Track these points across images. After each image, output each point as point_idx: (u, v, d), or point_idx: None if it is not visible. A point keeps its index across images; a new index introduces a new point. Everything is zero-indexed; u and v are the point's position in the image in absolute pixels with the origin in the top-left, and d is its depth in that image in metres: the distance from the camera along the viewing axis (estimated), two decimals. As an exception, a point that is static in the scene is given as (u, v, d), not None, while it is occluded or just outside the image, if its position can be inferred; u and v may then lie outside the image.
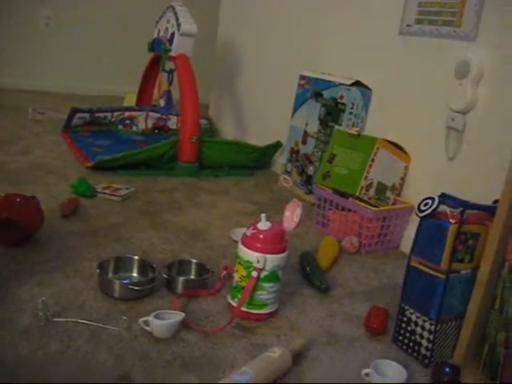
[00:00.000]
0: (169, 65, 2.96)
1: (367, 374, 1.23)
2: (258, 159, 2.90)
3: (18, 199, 1.67)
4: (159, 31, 3.03)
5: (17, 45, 4.35)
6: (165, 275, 1.53)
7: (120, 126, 3.25)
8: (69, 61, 4.52)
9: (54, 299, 1.39)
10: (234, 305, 1.42)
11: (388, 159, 2.07)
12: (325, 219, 2.16)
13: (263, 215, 1.44)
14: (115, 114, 3.21)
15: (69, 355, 1.19)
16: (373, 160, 2.03)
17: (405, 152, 2.12)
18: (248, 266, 1.40)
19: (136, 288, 1.43)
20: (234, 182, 2.71)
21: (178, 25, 2.80)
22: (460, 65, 1.84)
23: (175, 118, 3.29)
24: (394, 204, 2.10)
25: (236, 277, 1.45)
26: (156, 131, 3.33)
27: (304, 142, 2.56)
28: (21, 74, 4.41)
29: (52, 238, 1.74)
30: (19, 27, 4.32)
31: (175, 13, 2.85)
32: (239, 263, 1.43)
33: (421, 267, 1.36)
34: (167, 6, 2.98)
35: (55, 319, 1.31)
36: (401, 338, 1.40)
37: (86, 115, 3.07)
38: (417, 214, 1.36)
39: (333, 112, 2.38)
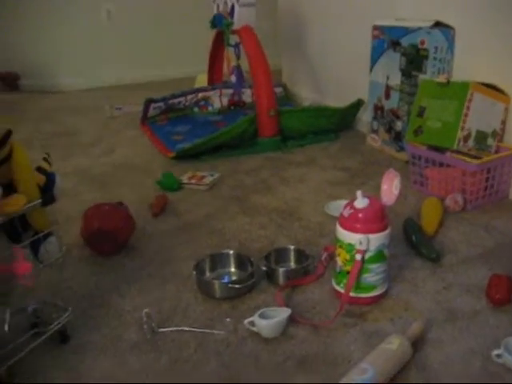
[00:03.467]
0: (234, 38, 2.86)
1: (498, 356, 1.11)
2: (340, 121, 2.77)
3: (106, 208, 1.66)
4: (218, 6, 2.92)
5: (81, 42, 4.39)
6: (264, 267, 1.47)
7: (196, 109, 3.21)
8: (134, 51, 4.52)
9: (157, 307, 1.37)
10: (341, 291, 1.34)
11: (485, 103, 1.88)
12: (422, 178, 2.01)
13: (359, 192, 1.33)
14: (189, 97, 3.16)
15: (179, 368, 1.16)
16: (468, 107, 1.84)
17: (503, 92, 1.92)
18: (350, 249, 1.31)
19: (236, 286, 1.38)
20: (320, 148, 2.59)
21: (237, -5, 2.68)
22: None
23: (249, 90, 3.19)
24: (497, 152, 1.91)
25: (339, 261, 1.36)
26: (232, 107, 3.26)
27: (387, 97, 2.40)
28: (88, 73, 4.46)
29: (145, 241, 1.73)
30: (81, 24, 4.35)
31: (232, -16, 2.74)
32: (340, 246, 1.34)
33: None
34: (223, -22, 2.86)
35: (161, 329, 1.29)
36: (530, 306, 1.27)
37: (161, 104, 3.05)
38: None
39: (415, 60, 2.20)
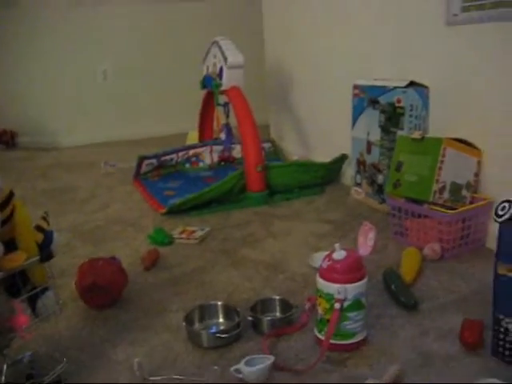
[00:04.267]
0: (223, 98, 3.00)
1: (470, 397, 1.19)
2: (326, 175, 2.88)
3: (100, 263, 1.74)
4: (208, 68, 3.08)
5: (77, 101, 4.57)
6: (250, 317, 1.54)
7: (187, 165, 3.32)
8: (128, 109, 4.70)
9: (148, 357, 1.44)
10: (322, 338, 1.41)
11: (458, 158, 2.00)
12: (402, 228, 2.11)
13: (337, 245, 1.42)
14: (180, 154, 3.28)
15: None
16: (442, 162, 1.96)
17: (475, 147, 2.04)
18: (329, 298, 1.39)
19: (223, 336, 1.45)
20: (306, 202, 2.70)
21: (225, 58, 2.85)
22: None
23: (239, 146, 3.32)
24: (471, 202, 2.02)
25: (319, 310, 1.44)
26: (222, 163, 3.37)
27: (369, 152, 2.52)
28: (82, 130, 4.61)
29: (138, 294, 1.80)
30: (79, 83, 4.53)
31: (220, 47, 2.90)
32: (320, 296, 1.42)
33: (510, 274, 1.30)
34: (211, 41, 3.03)
35: (151, 378, 1.35)
36: (501, 349, 1.34)
37: (154, 161, 3.16)
38: (495, 220, 1.31)
39: (392, 117, 2.33)
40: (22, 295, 1.24)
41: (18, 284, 1.22)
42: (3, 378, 1.19)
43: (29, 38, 4.39)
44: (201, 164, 3.34)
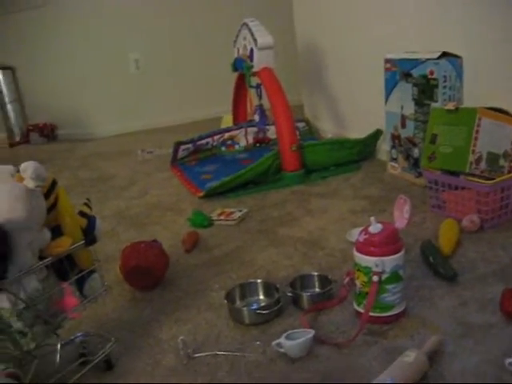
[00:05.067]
0: (255, 80, 3.02)
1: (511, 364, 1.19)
2: (361, 151, 2.88)
3: (142, 246, 1.79)
4: (238, 50, 3.10)
5: (112, 91, 4.65)
6: (289, 293, 1.57)
7: (223, 148, 3.36)
8: (162, 96, 4.75)
9: (192, 335, 1.48)
10: (361, 311, 1.43)
11: (494, 127, 1.97)
12: (440, 201, 2.10)
13: (372, 218, 1.43)
14: (216, 137, 3.32)
15: (214, 388, 1.27)
16: (477, 131, 1.94)
17: (510, 115, 2.00)
18: (367, 271, 1.41)
19: (264, 312, 1.49)
20: (342, 179, 2.70)
21: (255, 40, 2.85)
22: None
23: (273, 127, 3.33)
24: (510, 172, 1.99)
25: (358, 283, 1.46)
26: (258, 145, 3.40)
27: (403, 126, 2.50)
28: (118, 119, 4.70)
29: (180, 275, 1.85)
30: (112, 74, 4.61)
31: (249, 29, 2.91)
32: (358, 270, 1.44)
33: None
34: (241, 23, 3.04)
35: (196, 355, 1.39)
36: (541, 316, 1.34)
37: (190, 146, 3.21)
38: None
39: (426, 90, 2.31)
40: (70, 278, 1.30)
41: (66, 268, 1.28)
42: (58, 356, 1.26)
43: (64, 33, 4.49)
44: (236, 147, 3.37)
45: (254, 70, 2.91)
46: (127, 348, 1.46)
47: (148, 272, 1.72)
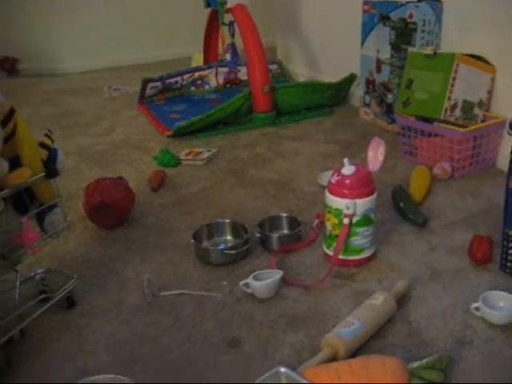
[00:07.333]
0: (228, 17, 2.90)
1: (477, 308, 1.19)
2: (334, 96, 2.82)
3: (107, 182, 1.73)
4: (212, -16, 2.96)
5: (79, 25, 4.43)
6: (258, 234, 1.54)
7: (192, 88, 3.26)
8: (130, 33, 4.56)
9: (157, 274, 1.45)
10: (331, 254, 1.41)
11: (471, 74, 1.93)
12: (412, 148, 2.08)
13: (346, 160, 1.40)
14: (185, 76, 3.22)
15: (179, 327, 1.24)
16: (454, 78, 1.90)
17: (489, 63, 1.97)
18: (338, 213, 1.38)
19: (231, 252, 1.46)
20: (314, 123, 2.65)
21: (230, -26, 2.73)
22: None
23: (244, 68, 3.24)
24: (483, 121, 1.98)
25: (328, 226, 1.43)
26: (228, 85, 3.31)
27: (378, 71, 2.45)
28: (85, 55, 4.51)
29: (146, 214, 1.80)
30: (80, 7, 4.39)
31: (224, -37, 2.77)
32: (329, 212, 1.41)
33: (521, 188, 1.27)
34: (215, -43, 2.90)
35: (161, 293, 1.36)
36: (509, 264, 1.34)
37: (158, 84, 3.10)
38: (508, 133, 1.27)
39: (404, 33, 2.25)
40: (29, 212, 1.23)
41: (25, 201, 1.22)
42: (17, 293, 1.21)
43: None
44: (206, 87, 3.28)
45: (228, 6, 2.79)
46: (90, 286, 1.42)
47: (113, 209, 1.67)
